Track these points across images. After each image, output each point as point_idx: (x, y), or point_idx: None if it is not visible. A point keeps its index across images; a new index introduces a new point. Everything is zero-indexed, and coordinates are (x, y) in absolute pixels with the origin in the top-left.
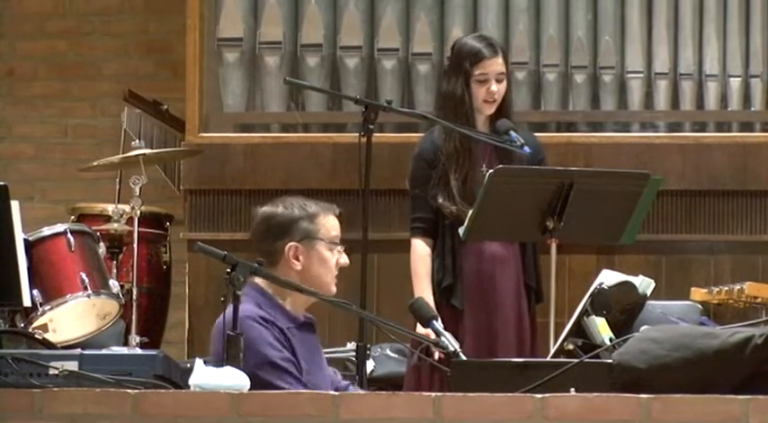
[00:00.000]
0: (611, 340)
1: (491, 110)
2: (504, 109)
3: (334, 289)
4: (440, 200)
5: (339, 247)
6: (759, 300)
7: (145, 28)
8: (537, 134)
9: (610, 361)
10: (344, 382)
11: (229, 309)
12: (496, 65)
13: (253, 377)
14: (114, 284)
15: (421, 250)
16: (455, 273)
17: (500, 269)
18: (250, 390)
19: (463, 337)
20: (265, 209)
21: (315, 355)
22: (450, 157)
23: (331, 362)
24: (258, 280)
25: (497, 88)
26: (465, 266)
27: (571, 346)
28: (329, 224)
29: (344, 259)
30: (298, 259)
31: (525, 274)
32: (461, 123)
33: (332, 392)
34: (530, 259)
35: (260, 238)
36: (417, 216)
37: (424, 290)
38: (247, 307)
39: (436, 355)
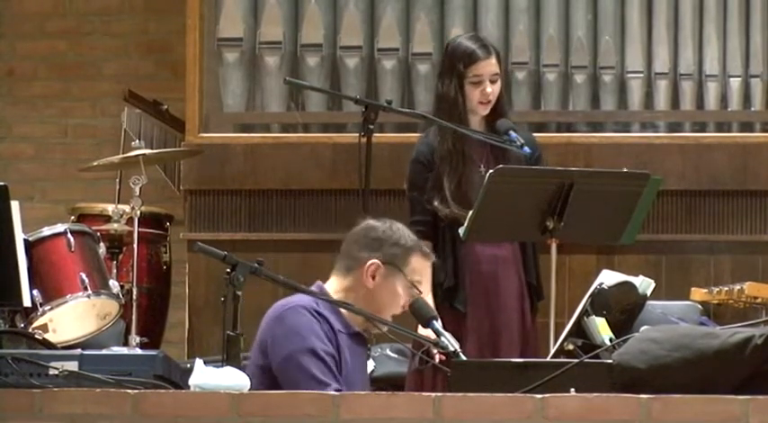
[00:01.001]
0: (611, 340)
1: (486, 111)
2: (498, 109)
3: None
4: (435, 203)
5: (415, 291)
6: (759, 300)
7: (145, 28)
8: (537, 134)
9: (610, 361)
10: None
11: (288, 298)
12: (490, 66)
13: (288, 358)
14: (114, 285)
15: None
16: (456, 274)
17: (502, 269)
18: (282, 373)
19: (466, 339)
20: (371, 220)
21: (359, 366)
22: (444, 159)
23: None
24: (327, 287)
25: (492, 89)
26: (466, 268)
27: (571, 347)
28: (419, 266)
29: (406, 305)
30: (373, 278)
31: (526, 272)
32: (455, 124)
33: (332, 393)
34: (530, 258)
35: (352, 241)
36: (416, 219)
37: (424, 292)
38: (305, 299)
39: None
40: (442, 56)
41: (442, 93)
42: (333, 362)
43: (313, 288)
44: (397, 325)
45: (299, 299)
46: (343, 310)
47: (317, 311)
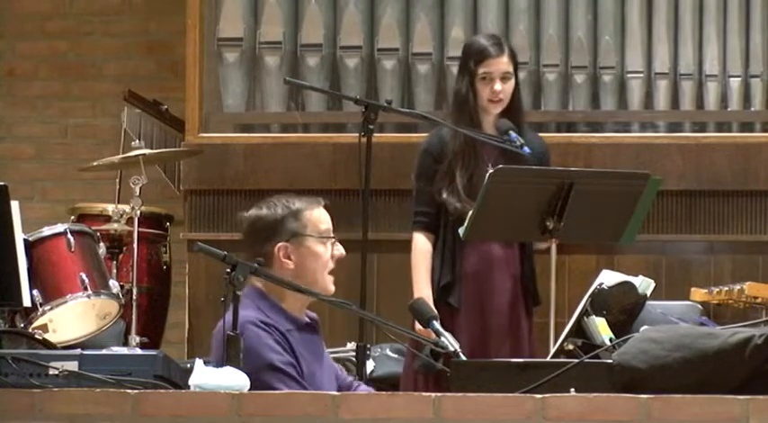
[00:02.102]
0: (611, 340)
1: (497, 109)
2: (513, 109)
3: (331, 288)
4: (444, 195)
5: (332, 240)
6: (759, 300)
7: (145, 28)
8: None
9: (610, 361)
10: (349, 379)
11: (228, 313)
12: (501, 64)
13: (254, 381)
14: (114, 284)
15: (422, 245)
16: (454, 271)
17: (498, 271)
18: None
19: (458, 337)
20: (250, 212)
21: (317, 356)
22: (457, 154)
23: None
24: (257, 282)
25: (501, 88)
26: (464, 266)
27: (571, 347)
28: (316, 218)
29: (339, 250)
30: (290, 258)
31: (524, 276)
32: (466, 122)
33: (332, 392)
34: (529, 261)
35: (250, 242)
36: (420, 210)
37: (422, 285)
38: (248, 311)
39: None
40: (449, 55)
41: (456, 90)
42: (292, 369)
43: (247, 291)
44: (397, 325)
45: (243, 315)
46: (281, 304)
47: (263, 322)
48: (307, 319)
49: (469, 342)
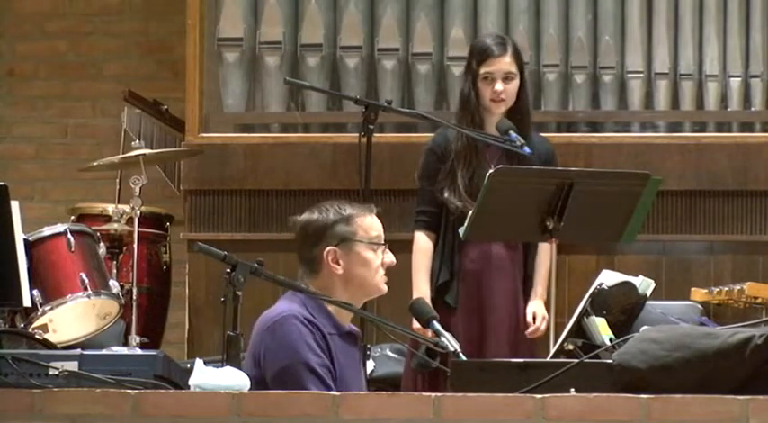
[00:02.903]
0: (611, 340)
1: (500, 109)
2: (517, 110)
3: (384, 287)
4: (446, 194)
5: (383, 247)
6: (759, 300)
7: (145, 28)
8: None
9: (610, 361)
10: None
11: (275, 305)
12: (503, 64)
13: (285, 373)
14: (114, 284)
15: (423, 243)
16: (452, 270)
17: (498, 270)
18: (276, 386)
19: (455, 336)
20: (302, 217)
21: (352, 365)
22: (459, 154)
23: None
24: (311, 285)
25: (503, 87)
26: (463, 265)
27: (571, 347)
28: (367, 224)
29: (390, 258)
30: (338, 263)
31: (525, 277)
32: (468, 122)
33: (332, 393)
34: (532, 262)
35: (300, 246)
36: (422, 209)
37: (421, 283)
38: (294, 306)
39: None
40: (450, 55)
41: (460, 90)
42: (327, 373)
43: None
44: (396, 325)
45: (289, 307)
46: (330, 308)
47: (307, 320)
48: (348, 329)
49: (466, 341)
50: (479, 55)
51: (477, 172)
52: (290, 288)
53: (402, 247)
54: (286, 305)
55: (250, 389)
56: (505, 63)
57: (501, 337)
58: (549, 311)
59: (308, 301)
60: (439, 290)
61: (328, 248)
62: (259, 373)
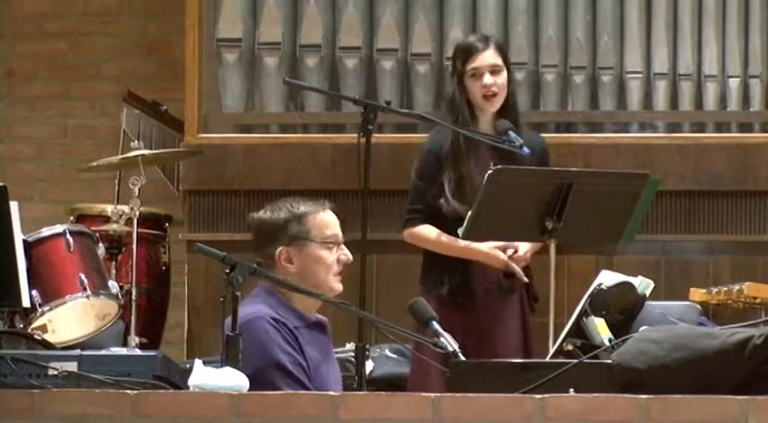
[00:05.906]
0: (610, 341)
1: (494, 106)
2: (508, 108)
3: (338, 286)
4: (441, 195)
5: (338, 244)
6: (758, 300)
7: (144, 28)
8: None
9: (609, 361)
10: None
11: (241, 308)
12: (487, 57)
13: (258, 376)
14: (113, 285)
15: (431, 231)
16: (452, 270)
17: (497, 270)
18: (251, 389)
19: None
20: (256, 215)
21: (324, 355)
22: (454, 154)
23: None
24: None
25: (492, 80)
26: (462, 264)
27: (570, 347)
28: (320, 222)
29: (346, 255)
30: (291, 262)
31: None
32: (452, 122)
33: (332, 393)
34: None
35: (255, 245)
36: (417, 207)
37: (460, 244)
38: (258, 307)
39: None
40: (448, 56)
41: (447, 93)
42: (300, 370)
43: (258, 289)
44: (396, 325)
45: (255, 309)
46: (295, 301)
47: (273, 319)
48: (315, 319)
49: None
50: (463, 53)
51: (466, 172)
52: (290, 288)
53: (401, 248)
54: (251, 307)
55: None
56: (490, 56)
57: (500, 337)
58: (548, 311)
59: (270, 298)
60: (435, 286)
61: (280, 248)
62: None
